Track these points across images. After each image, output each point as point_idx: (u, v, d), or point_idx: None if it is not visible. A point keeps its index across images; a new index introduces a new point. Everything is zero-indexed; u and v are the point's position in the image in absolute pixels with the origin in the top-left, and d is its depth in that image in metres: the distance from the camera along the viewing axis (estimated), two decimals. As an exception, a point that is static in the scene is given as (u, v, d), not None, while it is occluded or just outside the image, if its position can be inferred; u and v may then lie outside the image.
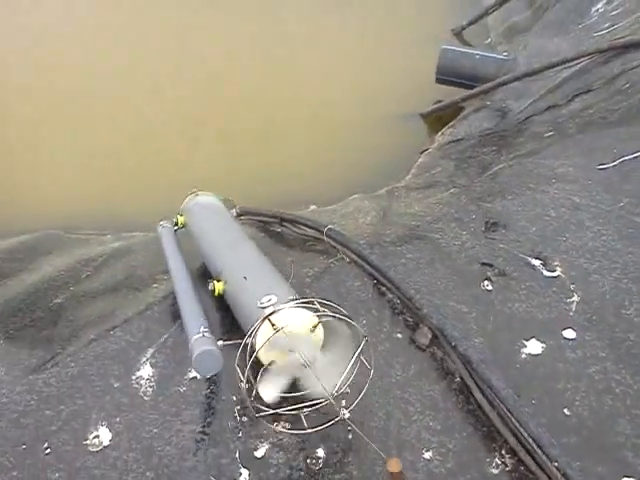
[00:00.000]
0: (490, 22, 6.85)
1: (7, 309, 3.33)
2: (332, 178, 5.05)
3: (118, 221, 4.89)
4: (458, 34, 6.58)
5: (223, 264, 2.97)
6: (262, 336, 2.41)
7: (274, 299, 2.52)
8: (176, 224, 3.55)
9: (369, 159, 5.24)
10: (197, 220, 3.45)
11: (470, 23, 6.54)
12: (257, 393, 2.42)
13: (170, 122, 5.73)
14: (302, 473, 2.46)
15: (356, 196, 4.57)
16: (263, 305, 2.50)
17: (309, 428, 2.49)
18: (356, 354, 2.51)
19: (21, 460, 2.53)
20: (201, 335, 2.50)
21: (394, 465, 2.20)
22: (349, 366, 2.50)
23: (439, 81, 5.51)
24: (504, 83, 4.96)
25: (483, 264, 3.23)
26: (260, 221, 3.91)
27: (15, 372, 2.86)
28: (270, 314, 2.42)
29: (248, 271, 2.83)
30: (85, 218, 4.95)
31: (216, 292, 2.86)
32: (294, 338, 2.40)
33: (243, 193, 4.17)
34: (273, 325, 2.39)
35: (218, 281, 2.88)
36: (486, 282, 3.13)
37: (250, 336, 2.42)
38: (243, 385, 2.43)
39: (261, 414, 2.47)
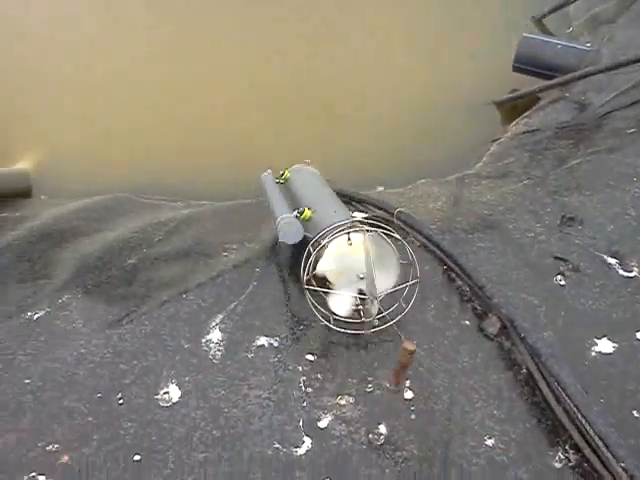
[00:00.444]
0: (572, 11, 6.61)
1: (84, 265, 3.45)
2: (400, 160, 5.02)
3: (186, 190, 5.00)
4: (538, 22, 6.37)
5: (317, 201, 3.25)
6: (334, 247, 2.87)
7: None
8: (280, 176, 3.77)
9: (438, 144, 5.16)
10: (301, 175, 3.71)
11: (551, 11, 6.31)
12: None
13: (242, 101, 5.76)
14: (364, 447, 2.50)
15: (424, 181, 4.53)
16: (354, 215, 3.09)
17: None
18: (407, 284, 2.88)
19: (96, 407, 2.66)
20: (292, 216, 3.08)
21: (410, 344, 2.41)
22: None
23: (516, 69, 5.36)
24: (586, 75, 4.79)
25: (557, 258, 3.18)
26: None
27: (92, 325, 2.99)
28: (356, 220, 2.95)
29: (337, 209, 3.12)
30: (154, 186, 5.06)
31: (303, 215, 3.11)
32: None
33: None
34: (349, 239, 2.83)
35: (309, 209, 3.15)
36: (559, 277, 3.08)
37: (327, 236, 2.85)
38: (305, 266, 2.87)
39: (309, 287, 2.85)
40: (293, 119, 5.50)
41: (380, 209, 3.54)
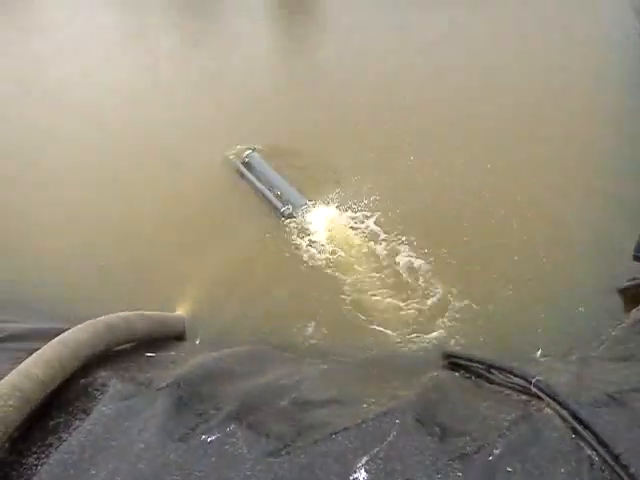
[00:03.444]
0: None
1: (244, 403, 3.96)
2: (519, 333, 5.43)
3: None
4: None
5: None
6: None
7: None
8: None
9: (558, 322, 5.53)
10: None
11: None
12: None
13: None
14: None
15: (545, 359, 4.85)
16: None
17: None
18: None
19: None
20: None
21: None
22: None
23: (637, 259, 5.72)
24: None
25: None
26: (464, 366, 4.37)
27: (256, 453, 3.44)
28: None
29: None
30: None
31: None
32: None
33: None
34: None
35: None
36: (688, 457, 3.23)
37: None
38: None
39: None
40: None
41: (517, 377, 3.90)
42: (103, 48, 12.81)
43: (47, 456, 3.54)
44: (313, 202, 7.51)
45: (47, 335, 4.94)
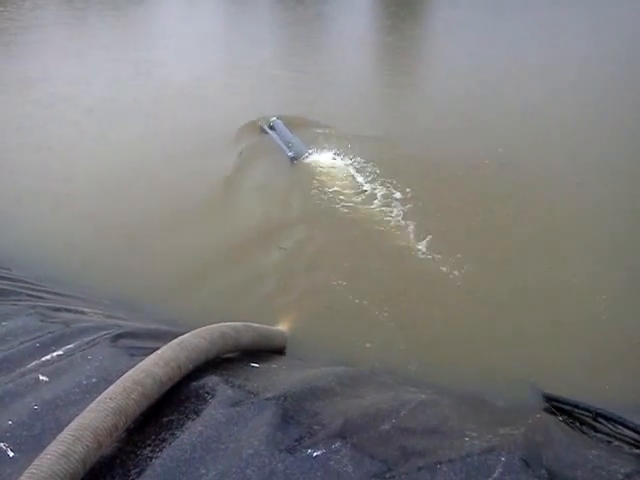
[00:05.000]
0: None
1: (347, 423, 4.03)
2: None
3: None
4: None
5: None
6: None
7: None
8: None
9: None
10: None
11: None
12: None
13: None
14: None
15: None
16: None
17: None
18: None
19: None
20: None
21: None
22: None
23: None
24: None
25: None
26: (568, 411, 4.25)
27: (361, 472, 3.50)
28: None
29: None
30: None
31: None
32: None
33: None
34: None
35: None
36: None
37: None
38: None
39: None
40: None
41: (630, 429, 3.77)
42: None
43: (161, 450, 3.73)
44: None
45: (157, 336, 5.25)
